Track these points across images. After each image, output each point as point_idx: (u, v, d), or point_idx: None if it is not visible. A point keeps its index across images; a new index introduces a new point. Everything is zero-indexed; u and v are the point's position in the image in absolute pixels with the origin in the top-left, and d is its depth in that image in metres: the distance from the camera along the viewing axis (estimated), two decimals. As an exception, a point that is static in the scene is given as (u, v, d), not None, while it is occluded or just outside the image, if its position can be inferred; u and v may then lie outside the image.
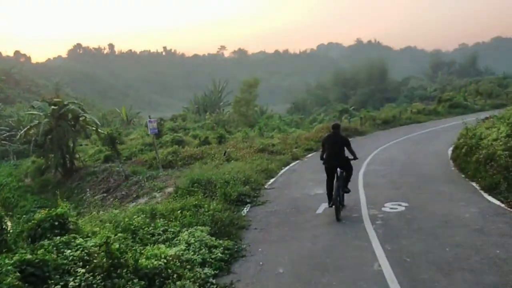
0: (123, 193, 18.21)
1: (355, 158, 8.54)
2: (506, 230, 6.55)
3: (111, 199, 18.35)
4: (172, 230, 7.29)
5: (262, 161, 15.03)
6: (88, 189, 20.32)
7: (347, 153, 8.48)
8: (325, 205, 9.26)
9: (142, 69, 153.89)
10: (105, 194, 19.32)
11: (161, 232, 7.17)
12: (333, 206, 8.09)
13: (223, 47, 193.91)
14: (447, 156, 14.81)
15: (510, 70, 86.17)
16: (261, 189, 11.71)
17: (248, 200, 10.35)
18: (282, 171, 14.47)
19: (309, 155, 18.23)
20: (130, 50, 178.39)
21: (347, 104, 50.69)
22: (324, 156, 8.52)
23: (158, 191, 14.33)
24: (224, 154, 16.07)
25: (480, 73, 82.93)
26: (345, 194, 8.64)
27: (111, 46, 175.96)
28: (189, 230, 7.22)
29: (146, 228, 7.18)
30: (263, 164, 14.53)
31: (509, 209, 7.67)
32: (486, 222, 7.04)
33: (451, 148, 16.16)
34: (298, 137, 22.22)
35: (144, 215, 7.98)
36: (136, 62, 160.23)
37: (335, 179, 8.32)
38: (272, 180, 12.98)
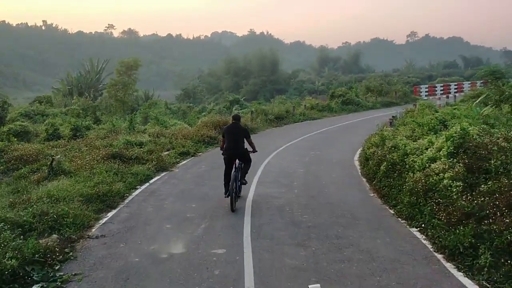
0: None
1: (254, 150, 8.72)
2: None
3: None
4: None
5: (106, 176, 9.97)
6: None
7: (246, 145, 8.49)
8: (179, 290, 4.97)
9: (17, 43, 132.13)
10: None
11: None
12: (229, 197, 7.92)
13: (111, 26, 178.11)
14: (356, 169, 11.61)
15: (386, 68, 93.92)
16: (82, 238, 6.79)
17: (36, 276, 5.39)
18: (133, 195, 9.48)
19: (184, 162, 13.60)
20: (4, 21, 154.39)
21: (238, 93, 47.57)
22: (224, 146, 8.41)
23: None
24: (51, 164, 10.61)
25: (363, 70, 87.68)
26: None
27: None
28: None
29: None
30: (107, 181, 9.54)
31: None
32: None
33: (357, 157, 13.28)
34: (174, 134, 17.40)
35: None
36: (10, 35, 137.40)
37: (233, 169, 8.25)
38: (109, 216, 7.98)
